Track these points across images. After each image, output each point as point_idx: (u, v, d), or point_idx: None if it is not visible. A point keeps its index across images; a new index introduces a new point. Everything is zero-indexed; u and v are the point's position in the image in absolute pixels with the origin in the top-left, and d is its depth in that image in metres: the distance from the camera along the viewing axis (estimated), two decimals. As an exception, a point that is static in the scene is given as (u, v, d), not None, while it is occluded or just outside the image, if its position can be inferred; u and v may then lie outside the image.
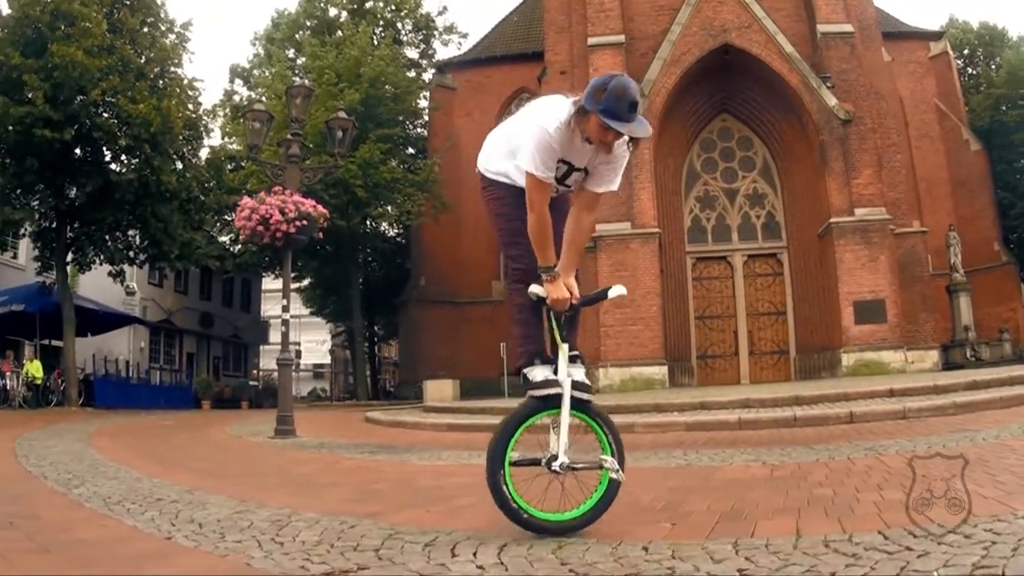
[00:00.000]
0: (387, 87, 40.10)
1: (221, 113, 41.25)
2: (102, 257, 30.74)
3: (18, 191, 27.78)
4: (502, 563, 3.51)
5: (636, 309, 26.68)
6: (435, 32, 52.85)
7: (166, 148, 28.54)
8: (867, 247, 26.70)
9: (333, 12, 50.37)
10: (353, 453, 10.56)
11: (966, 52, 52.13)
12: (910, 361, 26.34)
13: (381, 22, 49.63)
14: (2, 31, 26.47)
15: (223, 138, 42.34)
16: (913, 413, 10.95)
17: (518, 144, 4.15)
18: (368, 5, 49.73)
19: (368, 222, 41.74)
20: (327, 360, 67.39)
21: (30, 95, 25.34)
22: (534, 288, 4.16)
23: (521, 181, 4.15)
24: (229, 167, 37.97)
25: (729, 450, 8.42)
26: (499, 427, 4.07)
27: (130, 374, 37.73)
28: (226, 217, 37.26)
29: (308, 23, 49.74)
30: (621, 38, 28.97)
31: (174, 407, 33.03)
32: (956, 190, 41.52)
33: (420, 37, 52.97)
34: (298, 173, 15.43)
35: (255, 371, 53.61)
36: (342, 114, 17.48)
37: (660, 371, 26.74)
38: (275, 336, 43.78)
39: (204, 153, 35.29)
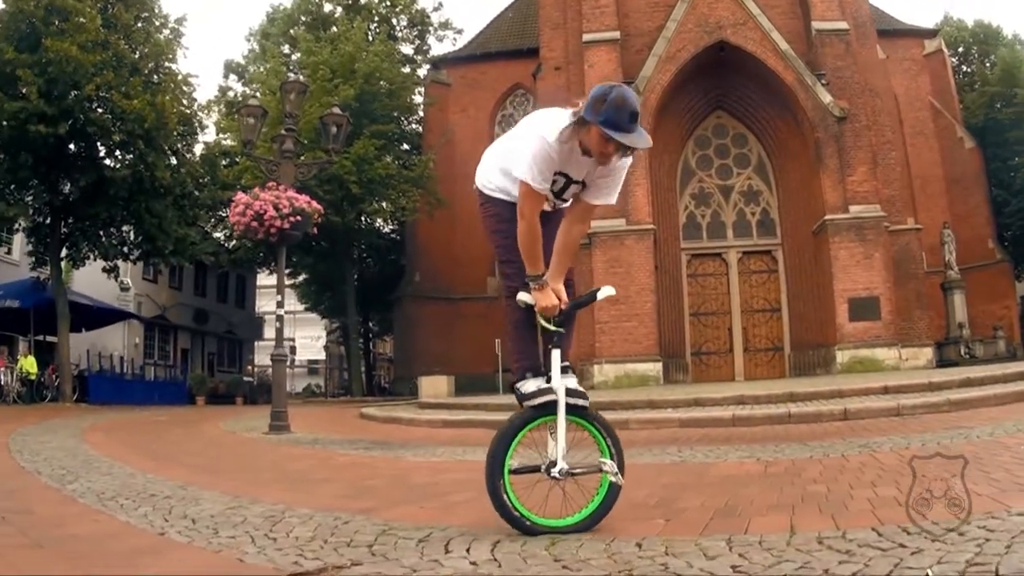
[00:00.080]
0: (382, 83, 40.04)
1: (216, 109, 41.22)
2: (96, 253, 30.68)
3: (12, 186, 27.72)
4: (495, 559, 3.51)
5: (631, 306, 26.68)
6: (430, 28, 52.72)
7: (160, 144, 28.53)
8: (862, 244, 26.73)
9: (328, 7, 50.28)
10: (347, 449, 10.57)
11: (961, 50, 52.13)
12: (904, 358, 26.38)
13: (376, 18, 49.51)
14: (-4, 26, 26.44)
15: (217, 134, 42.27)
16: (907, 410, 10.97)
17: (516, 156, 4.13)
18: (363, 1, 49.61)
19: (363, 218, 41.78)
20: (322, 356, 67.31)
21: (24, 90, 25.28)
22: (522, 296, 4.17)
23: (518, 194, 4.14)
24: (224, 163, 37.96)
25: (723, 447, 8.44)
26: (496, 436, 4.06)
27: (124, 370, 37.67)
28: (220, 213, 37.17)
29: (303, 18, 49.62)
30: (616, 34, 28.97)
31: (168, 403, 33.06)
32: (950, 188, 41.55)
33: (415, 33, 52.85)
34: (292, 169, 15.41)
35: (250, 367, 53.64)
36: (336, 110, 17.46)
37: (655, 368, 26.75)
38: (270, 332, 43.74)
39: (198, 149, 35.32)
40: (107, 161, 29.01)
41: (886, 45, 35.97)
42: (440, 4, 60.54)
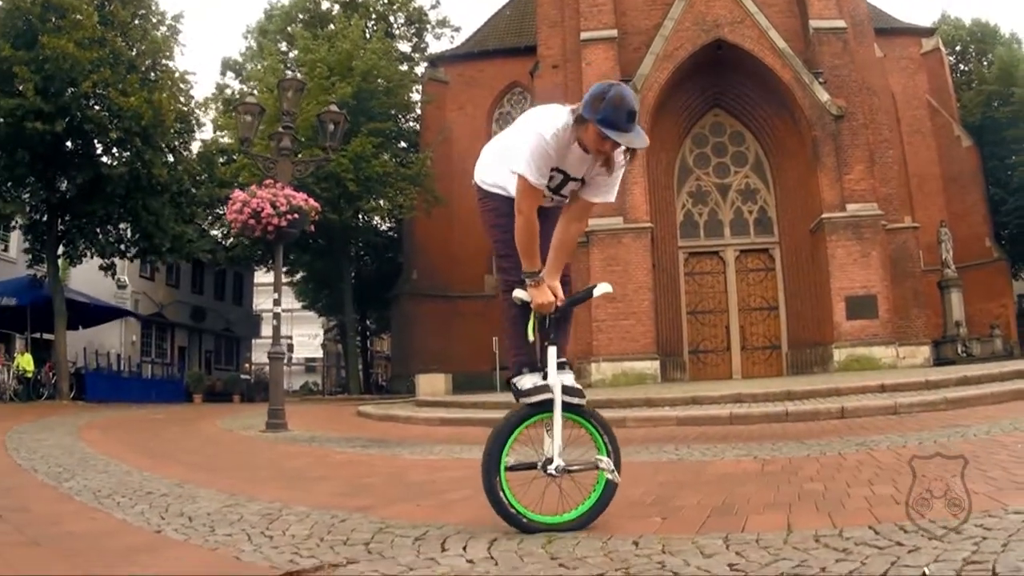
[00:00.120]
0: (379, 81, 40.01)
1: (213, 106, 41.16)
2: (93, 250, 30.66)
3: (9, 184, 27.66)
4: (492, 557, 3.50)
5: (628, 304, 26.71)
6: (427, 26, 52.69)
7: (157, 141, 28.48)
8: (859, 243, 26.75)
9: (326, 5, 50.22)
10: (344, 447, 10.57)
11: (958, 49, 52.18)
12: (901, 357, 26.40)
13: (373, 15, 49.47)
14: (-7, 23, 26.39)
15: (215, 131, 42.25)
16: (904, 408, 10.97)
17: (514, 152, 4.13)
18: (361, -2, 49.64)
19: (360, 216, 41.76)
20: (319, 354, 67.27)
21: (21, 87, 25.24)
22: (518, 293, 4.17)
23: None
24: (221, 160, 37.91)
25: (720, 445, 8.43)
26: (493, 434, 4.05)
27: (121, 367, 37.62)
28: (218, 211, 37.17)
29: (301, 16, 49.56)
30: (614, 33, 28.98)
31: (165, 401, 33.02)
32: (948, 186, 41.57)
33: (412, 31, 52.80)
34: (290, 166, 15.41)
35: (247, 365, 53.62)
36: (334, 107, 17.46)
37: (652, 366, 26.77)
38: (267, 330, 43.67)
39: (196, 146, 35.26)
40: (104, 158, 28.98)
41: (883, 43, 35.99)
42: (437, 2, 60.99)
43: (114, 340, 39.47)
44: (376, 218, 45.82)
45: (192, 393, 37.04)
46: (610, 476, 4.08)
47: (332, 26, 44.86)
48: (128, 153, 28.26)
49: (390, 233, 51.10)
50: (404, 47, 51.49)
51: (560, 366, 4.15)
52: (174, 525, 4.59)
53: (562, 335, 4.27)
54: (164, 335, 46.59)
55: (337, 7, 49.32)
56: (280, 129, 15.76)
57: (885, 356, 25.91)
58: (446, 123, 44.68)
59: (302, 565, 3.51)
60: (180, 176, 30.72)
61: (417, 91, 47.11)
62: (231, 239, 38.99)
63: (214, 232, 43.02)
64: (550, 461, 4.01)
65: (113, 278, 34.29)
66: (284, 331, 16.19)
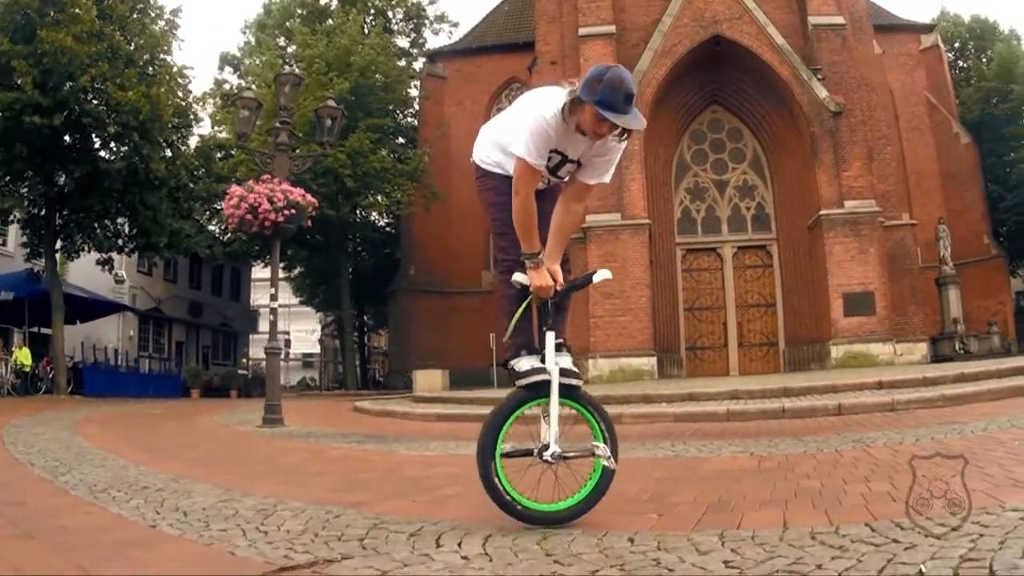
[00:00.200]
0: (377, 76, 39.99)
1: (211, 101, 41.12)
2: (91, 245, 30.64)
3: (7, 178, 27.63)
4: (487, 554, 3.50)
5: (625, 300, 26.72)
6: (426, 21, 52.67)
7: (155, 136, 28.42)
8: (857, 239, 26.75)
9: (324, 0, 50.18)
10: (340, 442, 10.56)
11: (957, 45, 52.16)
12: (899, 353, 26.40)
13: (372, 10, 49.41)
14: (-9, 17, 26.36)
15: (213, 126, 42.26)
16: (901, 405, 10.98)
17: (513, 133, 4.13)
18: (359, -6, 49.57)
19: (357, 211, 41.66)
20: (316, 349, 67.23)
21: (19, 81, 25.19)
22: (517, 276, 4.15)
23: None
24: (219, 155, 37.87)
25: (717, 441, 8.44)
26: (488, 419, 4.05)
27: (119, 362, 37.60)
28: (216, 206, 37.15)
29: (299, 11, 49.44)
30: (612, 28, 28.97)
31: (163, 395, 32.96)
32: (946, 183, 41.60)
33: (411, 26, 52.77)
34: (287, 162, 15.40)
35: (244, 360, 53.56)
36: (331, 102, 17.47)
37: (649, 362, 26.76)
38: (264, 325, 43.57)
39: (194, 141, 35.24)
40: (102, 153, 28.90)
41: (882, 40, 35.97)
42: (436, -3, 60.44)
43: (112, 335, 39.49)
44: (374, 214, 45.73)
45: (189, 388, 37.02)
46: (607, 463, 4.06)
47: (330, 21, 44.84)
48: (126, 148, 28.22)
49: (388, 229, 51.08)
50: (402, 42, 51.55)
51: (558, 347, 4.15)
52: (169, 520, 4.59)
53: (560, 320, 4.27)
54: (162, 330, 46.60)
55: (336, 2, 49.23)
56: (277, 124, 15.73)
57: (882, 353, 25.92)
58: (444, 119, 44.66)
59: (297, 560, 3.51)
60: (178, 171, 30.66)
61: (415, 87, 47.11)
62: (229, 234, 38.90)
63: (212, 227, 42.94)
64: (546, 447, 4.00)
65: (111, 273, 34.26)
66: (281, 326, 16.23)
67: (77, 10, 26.03)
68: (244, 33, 55.16)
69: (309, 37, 40.74)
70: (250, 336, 57.41)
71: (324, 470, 7.55)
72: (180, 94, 30.71)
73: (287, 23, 48.66)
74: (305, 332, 65.64)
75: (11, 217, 29.68)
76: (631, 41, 29.14)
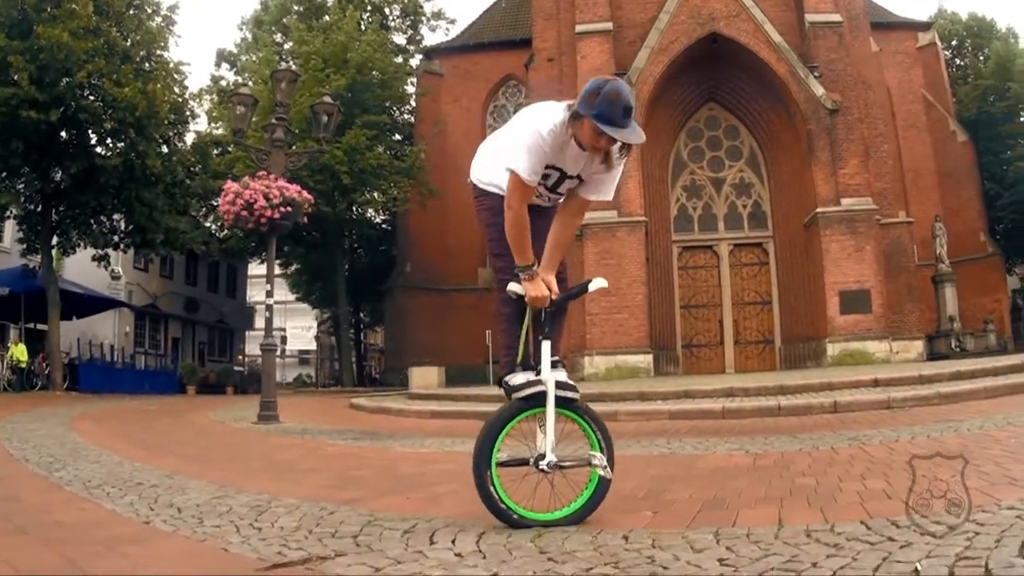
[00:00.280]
0: (374, 73, 40.01)
1: (208, 98, 41.13)
2: (87, 241, 30.64)
3: (3, 174, 27.64)
4: (480, 551, 3.49)
5: (622, 297, 26.72)
6: (423, 18, 52.71)
7: (151, 132, 28.45)
8: (853, 237, 26.77)
9: (321, -4, 50.18)
10: (336, 439, 10.55)
11: (954, 43, 52.27)
12: (895, 351, 26.45)
13: (369, 7, 49.41)
14: (-12, 12, 26.34)
15: (209, 123, 42.27)
16: (897, 403, 10.96)
17: (509, 150, 4.10)
18: (356, -10, 49.54)
19: (354, 208, 41.70)
20: (313, 346, 67.30)
21: (15, 76, 25.21)
22: (512, 286, 4.13)
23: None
24: (215, 152, 37.90)
25: (712, 439, 8.41)
26: (484, 428, 4.03)
27: (115, 358, 37.60)
28: (212, 202, 37.13)
29: (296, 7, 49.47)
30: (609, 25, 28.98)
31: (159, 392, 32.97)
32: (943, 181, 41.67)
33: (408, 23, 52.82)
34: (283, 158, 15.37)
35: (240, 357, 53.58)
36: (327, 98, 17.46)
37: (645, 359, 26.78)
38: (260, 322, 43.59)
39: (190, 138, 35.25)
40: (98, 149, 28.94)
41: (879, 38, 36.03)
42: (434, -7, 60.34)
43: (108, 331, 39.47)
44: (370, 211, 45.72)
45: (185, 384, 37.06)
46: (603, 473, 4.04)
47: (327, 18, 44.86)
48: (122, 144, 28.27)
49: (384, 226, 51.11)
50: (399, 39, 51.58)
51: (553, 364, 4.12)
52: (163, 516, 4.58)
53: (556, 330, 4.25)
54: (158, 326, 46.57)
55: (332, -1, 49.27)
56: (274, 121, 15.70)
57: (878, 351, 25.97)
58: (441, 116, 44.68)
59: (290, 557, 3.50)
60: (174, 167, 30.71)
61: (412, 83, 47.13)
62: (225, 231, 38.88)
63: (208, 224, 42.91)
64: (542, 457, 3.97)
65: (107, 269, 34.26)
66: (277, 323, 16.23)
67: (74, 6, 26.08)
68: (241, 29, 55.13)
69: (306, 33, 40.77)
70: (246, 333, 57.47)
71: (319, 467, 7.54)
72: (176, 90, 30.75)
73: (284, 19, 48.69)
74: (301, 329, 65.61)
75: (7, 213, 29.66)
76: (628, 38, 29.15)
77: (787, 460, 6.33)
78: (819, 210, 26.98)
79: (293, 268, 52.23)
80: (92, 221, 30.45)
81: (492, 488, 3.89)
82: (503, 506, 3.91)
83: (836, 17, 28.63)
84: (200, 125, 40.18)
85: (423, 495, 5.31)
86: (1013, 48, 47.50)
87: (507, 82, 44.97)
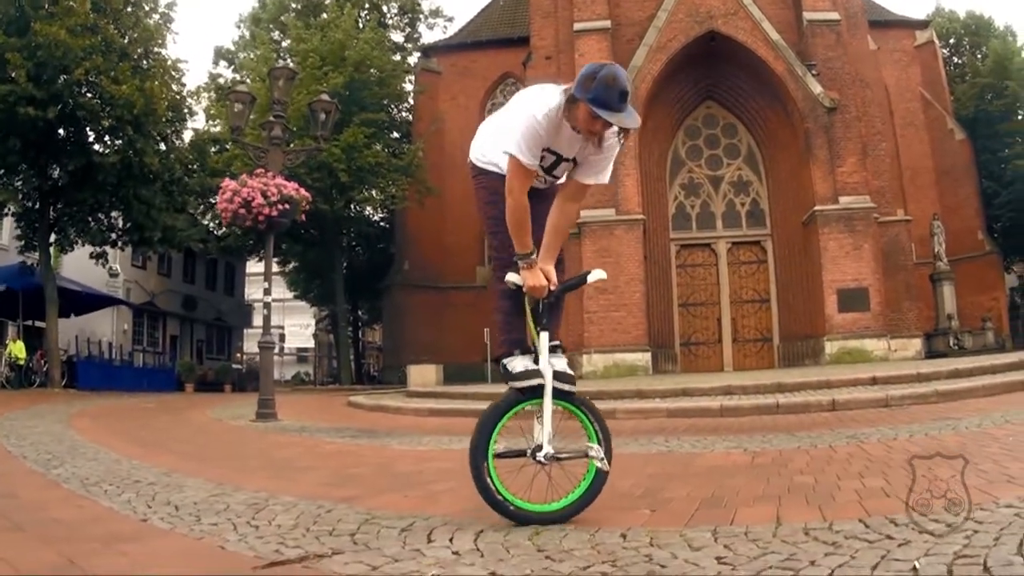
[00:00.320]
0: (372, 71, 39.95)
1: (205, 95, 41.12)
2: (84, 238, 30.62)
3: (1, 171, 27.64)
4: (478, 549, 3.48)
5: (620, 295, 26.73)
6: (421, 15, 52.62)
7: (149, 130, 28.46)
8: (851, 235, 26.79)
9: (319, -6, 50.11)
10: (334, 437, 10.54)
11: (952, 41, 52.25)
12: (893, 349, 26.47)
13: (366, 5, 49.28)
14: (-15, 10, 26.33)
15: (207, 120, 42.23)
16: (895, 401, 10.96)
17: (507, 132, 4.10)
18: (354, -12, 49.48)
19: (352, 206, 41.70)
20: (311, 344, 67.32)
21: (13, 74, 25.18)
22: (510, 276, 4.12)
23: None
24: (213, 149, 37.89)
25: (710, 437, 8.41)
26: (481, 419, 4.02)
27: (113, 356, 37.64)
28: (210, 200, 37.06)
29: (294, 5, 49.43)
30: (607, 23, 28.97)
31: (157, 390, 33.01)
32: (940, 179, 41.66)
33: (406, 20, 52.74)
34: (281, 156, 15.36)
35: (238, 354, 53.61)
36: (324, 96, 17.44)
37: (643, 358, 26.78)
38: (259, 319, 43.45)
39: (188, 135, 35.24)
40: (96, 146, 28.96)
41: (877, 36, 36.06)
42: (431, -8, 60.40)
43: (106, 328, 39.47)
44: (368, 208, 45.65)
45: (183, 382, 37.08)
46: (600, 464, 4.03)
47: (325, 15, 44.78)
48: (120, 141, 28.28)
49: (382, 224, 51.05)
50: (397, 37, 51.51)
51: (552, 349, 4.12)
52: (160, 514, 4.58)
53: (554, 320, 4.24)
54: (156, 324, 46.56)
55: (330, -4, 49.20)
56: (271, 118, 15.68)
57: (877, 349, 25.99)
58: (439, 113, 44.60)
59: (287, 555, 3.50)
60: (172, 165, 30.72)
61: (410, 81, 47.00)
62: (223, 229, 38.86)
63: (206, 221, 42.89)
64: (539, 448, 3.96)
65: (105, 266, 34.26)
66: (275, 321, 16.22)
67: (71, 3, 26.10)
68: (239, 27, 55.15)
69: (303, 31, 40.69)
70: (244, 330, 57.49)
71: (316, 465, 7.53)
72: (174, 88, 30.77)
73: (282, 17, 48.61)
74: (299, 327, 65.65)
75: (5, 210, 29.66)
76: (626, 36, 29.15)
77: (785, 458, 6.33)
78: (817, 208, 26.99)
79: (291, 266, 52.19)
80: (90, 218, 30.44)
81: (489, 479, 3.88)
82: (499, 497, 3.89)
83: (834, 15, 28.64)
84: (198, 123, 40.35)
85: (421, 493, 5.31)
86: (1011, 46, 47.51)
87: (505, 80, 44.88)
